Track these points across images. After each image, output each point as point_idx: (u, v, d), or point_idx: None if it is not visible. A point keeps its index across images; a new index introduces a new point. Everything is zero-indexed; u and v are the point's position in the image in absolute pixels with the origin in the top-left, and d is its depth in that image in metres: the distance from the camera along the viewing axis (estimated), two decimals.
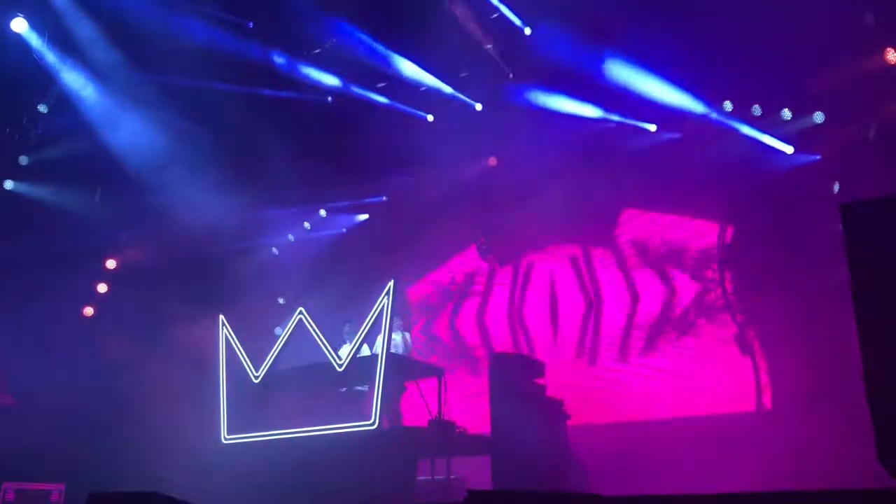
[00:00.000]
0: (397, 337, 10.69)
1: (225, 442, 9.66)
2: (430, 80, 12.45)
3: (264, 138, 12.18)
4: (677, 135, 11.99)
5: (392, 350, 10.46)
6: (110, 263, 13.20)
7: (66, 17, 10.95)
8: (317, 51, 12.36)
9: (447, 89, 12.58)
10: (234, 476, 9.17)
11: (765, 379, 11.14)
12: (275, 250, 14.58)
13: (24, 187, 12.17)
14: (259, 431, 9.42)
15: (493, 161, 13.55)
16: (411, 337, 10.93)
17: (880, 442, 4.85)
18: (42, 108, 11.70)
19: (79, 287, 12.72)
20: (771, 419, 10.77)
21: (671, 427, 11.23)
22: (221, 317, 10.14)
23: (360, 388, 10.23)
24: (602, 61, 11.16)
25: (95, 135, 11.81)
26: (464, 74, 12.47)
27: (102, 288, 13.13)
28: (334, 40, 12.04)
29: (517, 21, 11.55)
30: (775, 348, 11.00)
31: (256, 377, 9.65)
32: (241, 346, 9.92)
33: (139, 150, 11.89)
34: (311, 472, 8.60)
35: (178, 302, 12.32)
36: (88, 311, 12.92)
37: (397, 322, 10.78)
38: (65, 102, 11.69)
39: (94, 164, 12.10)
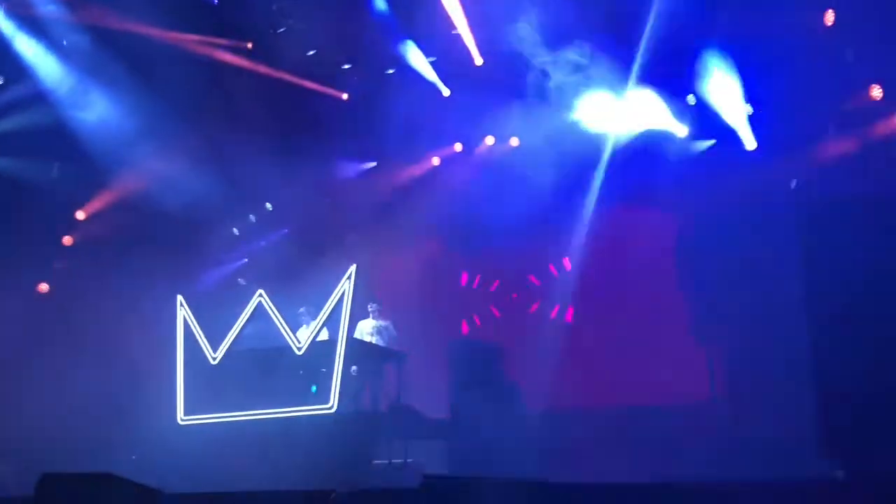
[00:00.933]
0: (382, 323, 10.63)
1: (181, 423, 9.59)
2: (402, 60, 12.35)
3: (228, 120, 12.04)
4: (639, 129, 12.09)
5: (376, 336, 10.40)
6: (67, 240, 12.96)
7: None
8: (281, 30, 12.19)
9: (419, 71, 12.48)
10: (190, 457, 9.12)
11: (719, 369, 11.35)
12: (236, 231, 14.44)
13: None
14: (216, 413, 9.38)
15: (458, 147, 13.55)
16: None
17: (824, 438, 5.01)
18: None
19: (34, 263, 12.49)
20: (724, 409, 10.98)
21: (627, 415, 11.39)
22: (180, 297, 10.04)
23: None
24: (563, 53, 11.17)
25: (55, 108, 11.57)
26: (432, 59, 12.41)
27: (59, 264, 12.92)
28: (295, 19, 11.89)
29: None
30: (730, 340, 11.19)
31: (214, 358, 9.59)
32: (200, 326, 9.84)
33: (101, 125, 11.67)
34: (269, 454, 8.59)
35: (136, 280, 12.16)
36: (44, 287, 12.71)
37: (375, 308, 10.73)
38: (23, 74, 11.42)
39: (54, 139, 11.85)
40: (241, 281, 14.06)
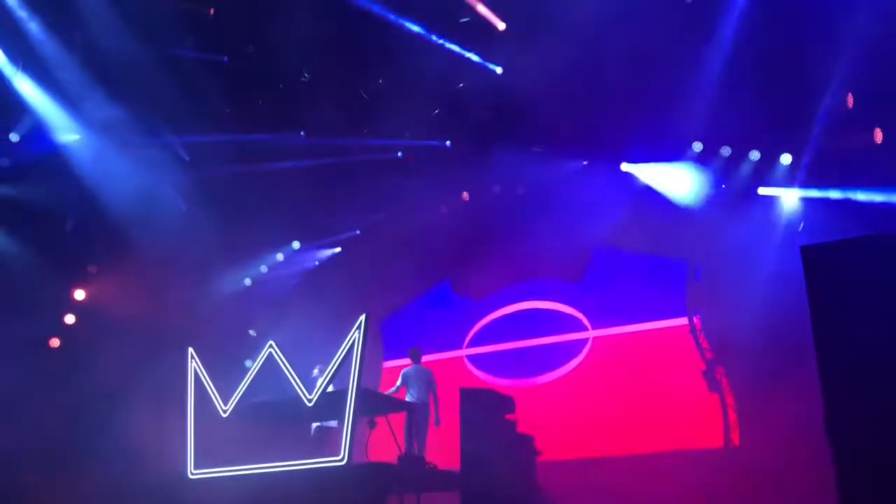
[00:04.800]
0: (423, 367, 10.53)
1: (192, 477, 9.53)
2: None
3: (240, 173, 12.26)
4: (647, 173, 12.18)
5: (415, 378, 10.27)
6: (79, 294, 13.01)
7: (40, 46, 10.92)
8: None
9: None
10: None
11: (732, 416, 11.23)
12: (248, 281, 14.50)
13: None
14: (227, 466, 9.31)
15: (465, 196, 13.65)
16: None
17: (840, 478, 4.92)
18: (13, 137, 11.59)
19: (46, 317, 12.53)
20: (739, 456, 10.84)
21: (641, 463, 11.26)
22: (191, 349, 10.04)
23: (329, 424, 10.16)
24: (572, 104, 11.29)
25: (70, 165, 11.75)
26: (436, 111, 12.56)
27: (70, 319, 12.93)
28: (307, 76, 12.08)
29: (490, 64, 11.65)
30: (743, 385, 11.10)
31: (225, 411, 9.55)
32: (211, 378, 9.82)
33: (117, 181, 11.83)
34: None
35: (147, 333, 12.19)
36: (54, 342, 12.71)
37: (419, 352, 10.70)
38: (38, 131, 11.61)
39: (67, 195, 12.01)
40: (251, 332, 14.08)
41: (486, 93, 11.71)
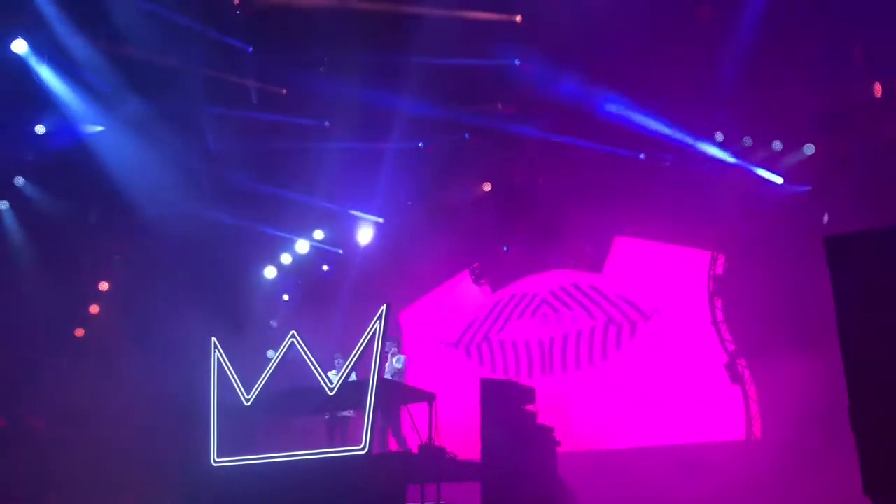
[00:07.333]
0: (394, 361, 10.64)
1: (215, 465, 9.61)
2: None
3: (263, 162, 12.29)
4: (668, 164, 12.09)
5: (393, 374, 10.42)
6: (103, 285, 13.15)
7: (65, 39, 10.97)
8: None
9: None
10: (223, 499, 9.13)
11: (754, 408, 11.18)
12: (271, 273, 14.56)
13: (16, 207, 12.17)
14: (250, 454, 9.38)
15: (486, 187, 13.63)
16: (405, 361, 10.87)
17: (865, 473, 4.88)
18: (39, 129, 11.70)
19: (71, 308, 12.69)
20: (761, 448, 10.80)
21: (661, 455, 11.24)
22: (213, 339, 10.11)
23: (345, 413, 10.23)
24: (596, 94, 11.22)
25: (94, 158, 11.84)
26: (454, 103, 12.51)
27: (94, 309, 13.08)
28: (326, 59, 12.02)
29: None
30: (765, 377, 11.04)
31: (248, 400, 9.61)
32: (233, 368, 9.89)
33: (139, 175, 11.92)
34: (302, 496, 8.56)
35: (170, 323, 12.31)
36: (79, 331, 12.87)
37: (392, 345, 10.77)
38: (63, 124, 11.70)
39: (91, 186, 12.12)
40: (272, 323, 14.17)
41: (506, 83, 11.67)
